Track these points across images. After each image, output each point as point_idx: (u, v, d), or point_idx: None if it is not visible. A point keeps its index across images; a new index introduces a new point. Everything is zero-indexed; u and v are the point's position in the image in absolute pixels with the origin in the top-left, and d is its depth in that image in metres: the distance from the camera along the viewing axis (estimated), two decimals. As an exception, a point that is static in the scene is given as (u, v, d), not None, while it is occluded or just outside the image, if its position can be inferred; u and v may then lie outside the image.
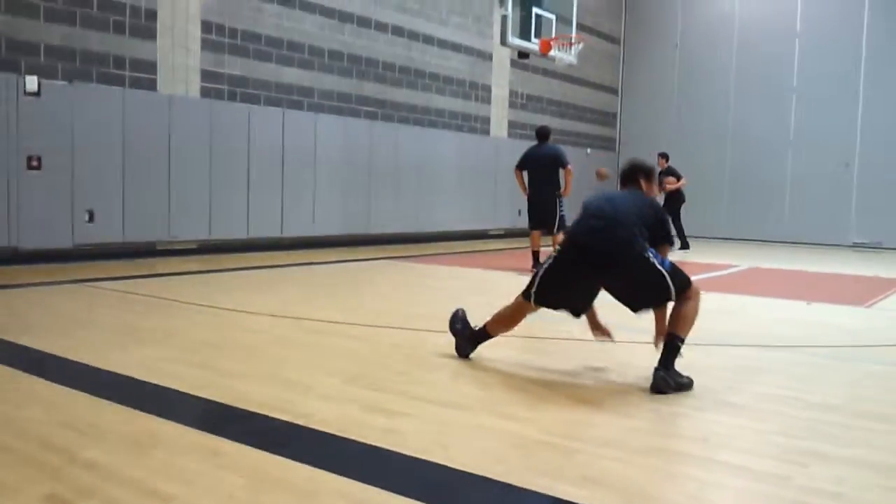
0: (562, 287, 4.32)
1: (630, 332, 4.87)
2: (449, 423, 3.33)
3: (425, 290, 7.92)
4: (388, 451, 2.96)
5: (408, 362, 4.47)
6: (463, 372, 4.29)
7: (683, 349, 4.03)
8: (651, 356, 4.17)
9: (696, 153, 17.88)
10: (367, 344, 4.99)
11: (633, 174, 4.49)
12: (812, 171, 16.29)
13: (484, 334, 4.60)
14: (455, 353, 4.63)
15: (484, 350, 4.85)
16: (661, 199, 14.32)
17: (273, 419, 3.31)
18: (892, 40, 15.98)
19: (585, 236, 4.17)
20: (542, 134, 9.80)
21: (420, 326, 5.57)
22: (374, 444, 3.03)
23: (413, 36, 13.24)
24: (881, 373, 4.65)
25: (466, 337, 4.62)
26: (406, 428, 3.23)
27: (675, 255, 12.22)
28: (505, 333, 4.66)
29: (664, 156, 14.11)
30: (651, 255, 4.05)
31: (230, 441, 3.00)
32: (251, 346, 4.83)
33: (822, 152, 16.32)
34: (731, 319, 6.65)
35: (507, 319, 4.58)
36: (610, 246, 4.05)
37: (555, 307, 4.44)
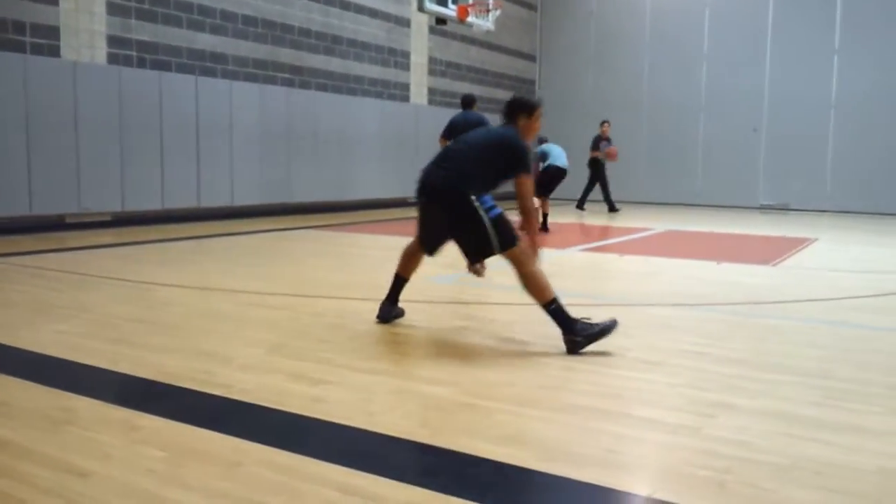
0: (420, 224, 4.57)
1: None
2: (372, 390, 3.35)
3: (347, 259, 7.89)
4: (312, 419, 2.97)
5: (331, 331, 4.47)
6: (385, 339, 4.31)
7: (585, 309, 4.14)
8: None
9: (613, 119, 18.15)
10: (288, 314, 4.95)
11: (513, 111, 4.41)
12: (723, 136, 16.84)
13: (399, 280, 4.72)
14: (378, 320, 4.65)
15: (406, 316, 4.89)
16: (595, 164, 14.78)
17: (194, 392, 3.28)
18: (797, 8, 16.55)
19: (424, 174, 4.37)
20: (468, 101, 9.80)
21: (343, 295, 5.57)
22: (298, 412, 3.03)
23: (329, 1, 12.99)
24: (785, 327, 4.89)
25: (386, 302, 4.69)
26: (330, 396, 3.25)
27: (604, 218, 12.46)
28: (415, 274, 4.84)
29: (608, 122, 14.84)
30: (480, 201, 4.14)
31: (149, 415, 2.95)
32: (169, 319, 4.74)
33: (731, 117, 16.88)
34: (647, 280, 6.87)
35: (407, 256, 4.78)
36: (437, 182, 4.25)
37: (423, 245, 4.64)
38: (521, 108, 4.41)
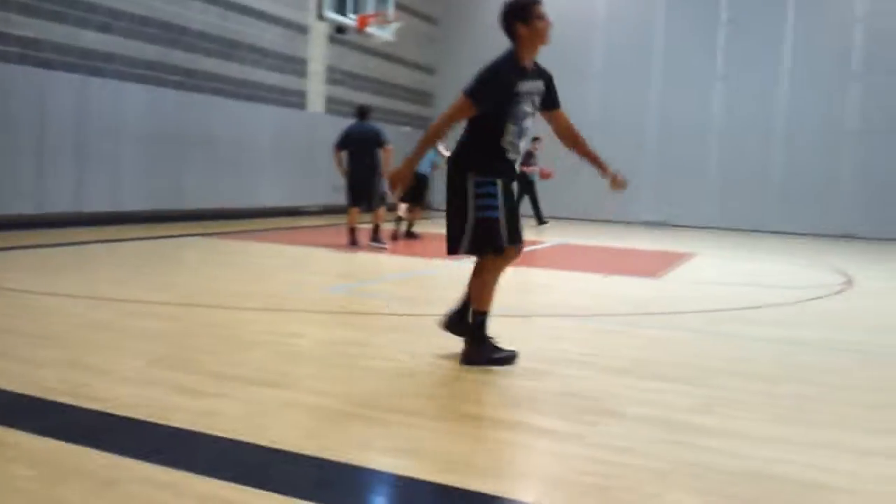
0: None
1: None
2: (263, 402, 3.27)
3: (240, 268, 7.69)
4: (199, 433, 2.87)
5: (220, 342, 4.34)
6: (277, 350, 4.22)
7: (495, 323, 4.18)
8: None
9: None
10: (177, 324, 4.78)
11: (507, 25, 3.94)
12: (612, 154, 17.42)
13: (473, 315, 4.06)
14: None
15: (298, 327, 4.81)
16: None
17: (68, 406, 3.10)
18: (687, 32, 17.35)
19: None
20: (362, 112, 9.82)
21: (234, 305, 5.42)
22: (183, 426, 2.92)
23: (228, 5, 12.71)
24: (665, 337, 5.09)
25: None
26: (218, 409, 3.15)
27: (533, 231, 12.47)
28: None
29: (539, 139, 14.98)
30: (477, 185, 3.83)
31: (20, 432, 2.78)
32: (47, 329, 4.48)
33: (619, 135, 17.47)
34: (539, 292, 7.03)
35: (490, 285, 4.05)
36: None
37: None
38: (513, 17, 3.82)
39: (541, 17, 3.84)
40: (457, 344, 4.38)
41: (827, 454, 2.96)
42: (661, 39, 17.62)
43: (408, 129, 18.23)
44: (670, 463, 2.78)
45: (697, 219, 17.18)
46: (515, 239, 3.96)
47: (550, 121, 4.09)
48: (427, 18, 19.04)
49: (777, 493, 2.56)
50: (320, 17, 12.09)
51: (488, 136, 3.86)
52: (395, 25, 13.46)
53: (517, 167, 3.99)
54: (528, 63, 3.90)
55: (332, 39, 15.07)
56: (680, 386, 3.85)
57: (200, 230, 10.85)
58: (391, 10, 13.46)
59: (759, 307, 6.47)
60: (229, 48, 12.82)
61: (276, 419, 3.06)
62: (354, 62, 16.24)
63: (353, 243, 9.57)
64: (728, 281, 8.40)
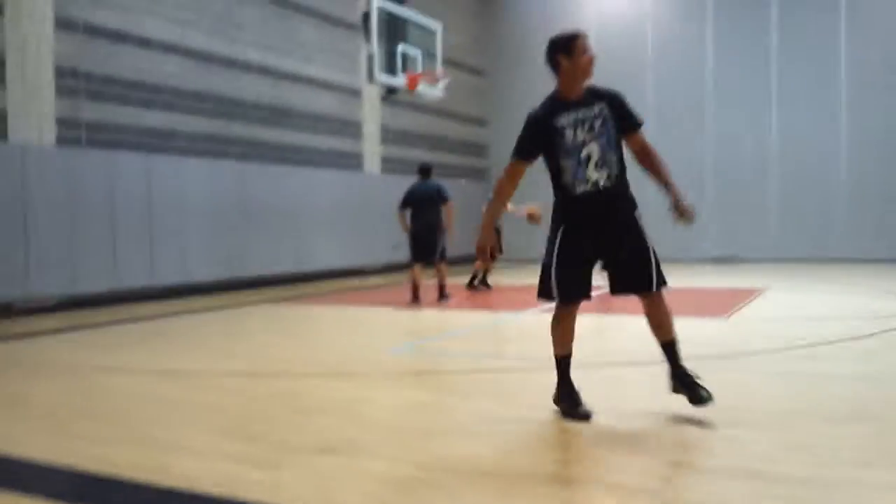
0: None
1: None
2: (330, 471, 3.27)
3: (303, 334, 7.79)
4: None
5: (285, 411, 4.37)
6: (342, 416, 4.22)
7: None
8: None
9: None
10: (241, 394, 4.84)
11: (551, 58, 4.01)
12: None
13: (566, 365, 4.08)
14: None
15: (363, 391, 4.82)
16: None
17: (139, 484, 3.15)
18: (737, 61, 17.18)
19: None
20: (425, 170, 10.04)
21: (298, 371, 5.48)
22: (253, 499, 2.93)
23: (280, 74, 13.14)
24: (736, 381, 4.91)
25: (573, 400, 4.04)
26: (286, 480, 3.15)
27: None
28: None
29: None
30: (550, 230, 4.07)
31: (94, 512, 2.83)
32: (115, 407, 4.59)
33: (676, 168, 17.27)
34: (599, 338, 6.90)
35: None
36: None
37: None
38: (556, 51, 3.85)
39: (584, 51, 3.83)
40: (512, 399, 4.33)
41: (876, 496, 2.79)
42: (712, 73, 17.48)
43: (463, 181, 18.39)
44: (749, 518, 2.66)
45: (764, 251, 16.74)
46: (567, 293, 3.92)
47: (627, 144, 3.94)
48: (475, 71, 19.33)
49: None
50: (370, 80, 12.38)
51: (554, 179, 3.94)
52: (444, 82, 13.68)
53: (601, 193, 3.81)
54: (573, 95, 3.88)
55: (383, 100, 15.40)
56: (756, 432, 3.70)
57: (264, 297, 11.07)
58: (439, 68, 13.70)
59: (833, 342, 6.22)
60: (285, 116, 13.22)
61: (344, 488, 3.05)
62: (407, 120, 16.54)
63: (417, 300, 9.63)
64: (799, 315, 8.12)
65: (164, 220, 11.09)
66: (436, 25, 13.94)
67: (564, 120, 3.83)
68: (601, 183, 3.81)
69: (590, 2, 18.86)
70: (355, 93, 14.84)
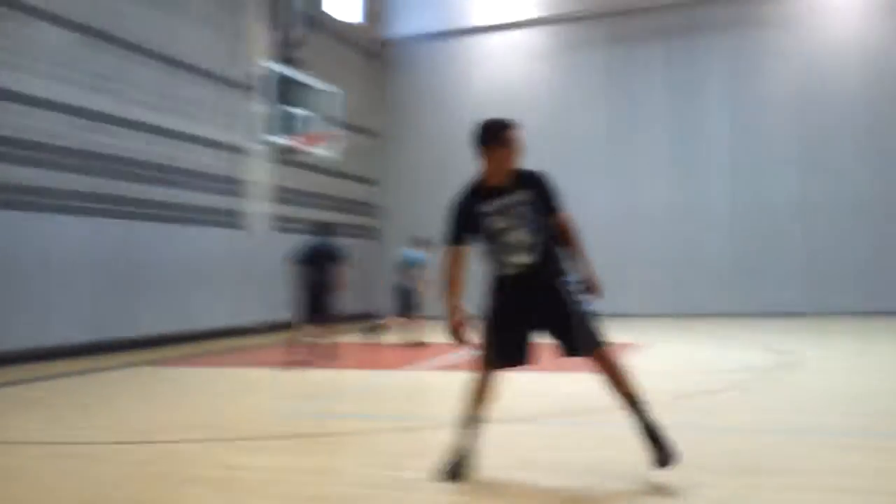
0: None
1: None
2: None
3: (182, 396, 7.46)
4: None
5: (154, 482, 4.16)
6: (218, 486, 4.06)
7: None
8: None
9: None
10: (105, 465, 4.57)
11: (479, 146, 4.03)
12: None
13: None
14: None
15: (242, 458, 4.67)
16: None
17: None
18: (624, 141, 18.05)
19: None
20: (325, 228, 10.07)
21: (172, 438, 5.24)
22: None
23: (163, 132, 12.86)
24: (619, 436, 5.03)
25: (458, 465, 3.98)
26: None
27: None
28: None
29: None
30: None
31: None
32: (-32, 483, 4.25)
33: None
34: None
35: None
36: None
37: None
38: (487, 138, 3.89)
39: (514, 142, 3.91)
40: (407, 462, 4.31)
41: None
42: (603, 136, 18.31)
43: (352, 240, 18.38)
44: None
45: (648, 307, 17.36)
46: (503, 356, 3.98)
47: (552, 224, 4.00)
48: (369, 132, 19.50)
49: None
50: (259, 140, 12.28)
51: (483, 256, 4.04)
52: (337, 145, 13.73)
53: (526, 272, 3.90)
54: (498, 181, 3.94)
55: (273, 159, 15.29)
56: (622, 482, 3.79)
57: (142, 359, 10.59)
58: (338, 131, 13.75)
59: (712, 392, 6.49)
60: (171, 174, 12.91)
61: (207, 563, 2.92)
62: (298, 179, 16.44)
63: (304, 360, 9.48)
64: (676, 370, 8.44)
65: (31, 280, 10.52)
66: (331, 87, 14.05)
67: (488, 207, 3.92)
68: (526, 263, 3.92)
69: (478, 68, 19.48)
70: (244, 152, 14.68)
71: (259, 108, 11.94)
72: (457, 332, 3.97)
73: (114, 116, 11.91)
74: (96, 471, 4.46)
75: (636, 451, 4.00)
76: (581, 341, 3.89)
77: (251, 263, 14.71)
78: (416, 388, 7.67)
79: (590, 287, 3.99)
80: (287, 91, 12.90)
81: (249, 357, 11.01)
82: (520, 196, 3.92)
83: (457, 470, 3.94)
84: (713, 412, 5.87)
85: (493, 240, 3.94)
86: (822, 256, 16.62)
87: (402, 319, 11.77)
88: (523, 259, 3.91)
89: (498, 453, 4.37)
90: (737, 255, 17.25)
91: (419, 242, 12.21)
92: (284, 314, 14.74)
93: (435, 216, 20.61)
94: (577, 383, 5.45)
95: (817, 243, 16.69)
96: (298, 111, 12.96)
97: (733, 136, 17.33)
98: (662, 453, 3.79)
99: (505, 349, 3.95)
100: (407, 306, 11.79)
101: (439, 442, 4.36)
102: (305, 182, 16.77)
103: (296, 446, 5.09)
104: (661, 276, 17.63)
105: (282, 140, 12.46)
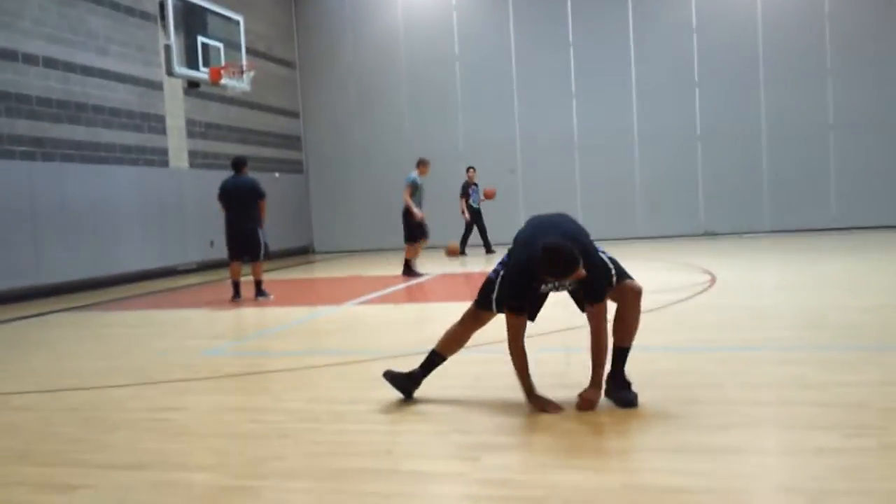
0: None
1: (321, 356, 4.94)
2: (131, 487, 3.14)
3: (107, 342, 7.33)
4: (60, 532, 2.73)
5: (85, 427, 4.13)
6: (148, 428, 4.06)
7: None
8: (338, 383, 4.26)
9: (381, 171, 18.70)
10: (35, 414, 4.51)
11: None
12: (483, 179, 17.75)
13: (437, 358, 4.27)
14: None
15: (170, 399, 4.67)
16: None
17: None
18: (536, 60, 18.03)
19: None
20: (238, 164, 9.77)
21: (99, 384, 5.18)
22: (43, 527, 2.77)
23: (69, 67, 12.22)
24: (542, 359, 5.21)
25: (407, 378, 4.22)
26: (85, 502, 3.00)
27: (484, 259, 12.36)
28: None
29: (473, 168, 15.95)
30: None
31: None
32: None
33: (490, 161, 17.89)
34: (417, 329, 7.06)
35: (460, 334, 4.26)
36: None
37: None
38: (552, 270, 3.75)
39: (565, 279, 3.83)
40: (330, 395, 4.38)
41: (689, 457, 3.12)
42: (513, 69, 18.23)
43: (277, 174, 18.05)
44: (545, 488, 2.85)
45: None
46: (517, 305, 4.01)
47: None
48: (285, 63, 18.96)
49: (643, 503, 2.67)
50: (170, 73, 11.79)
51: None
52: (249, 75, 13.30)
53: None
54: None
55: (187, 92, 14.75)
56: (558, 401, 3.96)
57: (64, 305, 10.31)
58: (244, 61, 13.29)
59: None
60: (77, 111, 12.33)
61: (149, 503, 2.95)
62: (215, 113, 15.94)
63: (237, 297, 9.42)
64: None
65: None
66: (237, 16, 13.48)
67: (543, 288, 3.95)
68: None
69: (396, -7, 19.04)
70: (156, 85, 14.10)
71: (169, 39, 11.43)
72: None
73: (14, 51, 11.23)
74: (24, 419, 4.39)
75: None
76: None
77: (174, 202, 14.32)
78: (353, 323, 7.72)
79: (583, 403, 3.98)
80: (196, 21, 12.34)
81: (178, 298, 10.85)
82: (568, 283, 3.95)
83: (407, 388, 4.16)
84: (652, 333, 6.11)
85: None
86: (728, 181, 17.17)
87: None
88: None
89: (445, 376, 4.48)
90: (652, 179, 17.66)
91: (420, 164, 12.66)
92: (213, 253, 14.60)
93: (358, 148, 20.48)
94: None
95: (723, 167, 17.20)
96: (210, 41, 12.44)
97: (639, 65, 17.51)
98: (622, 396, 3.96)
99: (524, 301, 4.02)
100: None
101: (375, 375, 4.44)
102: (224, 116, 16.29)
103: (229, 385, 5.10)
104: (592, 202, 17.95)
105: (194, 72, 11.99)
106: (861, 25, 16.41)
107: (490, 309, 4.13)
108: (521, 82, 18.18)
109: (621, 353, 4.04)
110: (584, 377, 3.97)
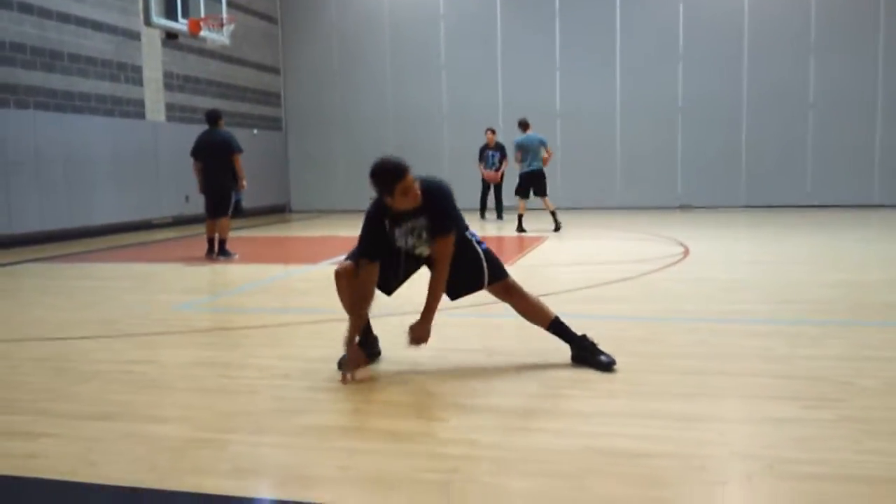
0: (394, 263, 4.10)
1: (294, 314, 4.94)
2: (98, 438, 3.14)
3: (80, 293, 7.28)
4: (26, 478, 2.73)
5: (52, 377, 4.12)
6: (116, 379, 4.06)
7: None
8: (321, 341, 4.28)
9: (361, 131, 18.57)
10: (3, 363, 4.49)
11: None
12: (466, 143, 17.66)
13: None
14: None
15: (139, 352, 4.66)
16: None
17: None
18: (521, 24, 17.87)
19: None
20: (212, 118, 9.49)
21: (69, 335, 5.16)
22: (11, 473, 2.77)
23: (45, 13, 11.94)
24: (510, 324, 5.26)
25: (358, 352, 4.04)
26: (48, 450, 3.00)
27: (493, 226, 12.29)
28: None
29: (492, 130, 15.22)
30: (470, 233, 4.14)
31: None
32: None
33: (471, 125, 17.80)
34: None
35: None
36: None
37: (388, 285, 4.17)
38: (380, 190, 3.82)
39: (404, 192, 3.79)
40: (301, 352, 4.40)
41: (652, 423, 3.18)
42: (498, 29, 18.07)
43: (255, 131, 17.86)
44: (508, 450, 2.90)
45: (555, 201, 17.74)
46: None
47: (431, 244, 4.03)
48: (267, 17, 18.65)
49: (606, 466, 2.72)
50: (148, 23, 11.56)
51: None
52: (229, 28, 13.08)
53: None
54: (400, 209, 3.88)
55: (165, 44, 14.48)
56: (520, 372, 4.01)
57: (36, 255, 10.20)
58: (224, 13, 13.06)
59: (601, 285, 6.81)
60: (52, 59, 12.07)
61: (110, 454, 2.95)
62: (193, 66, 15.68)
63: (211, 254, 9.36)
64: (576, 262, 8.77)
65: None
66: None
67: (396, 232, 3.94)
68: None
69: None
70: (134, 35, 13.82)
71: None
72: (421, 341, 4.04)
73: (-15, -6, 10.94)
74: (-10, 368, 4.37)
75: (534, 338, 4.20)
76: (484, 276, 4.11)
77: (148, 154, 14.14)
78: (327, 283, 7.71)
79: (415, 335, 4.05)
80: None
81: (152, 252, 10.76)
82: (423, 220, 3.94)
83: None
84: (623, 302, 6.18)
85: (399, 253, 4.03)
86: (707, 155, 17.24)
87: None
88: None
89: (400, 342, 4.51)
90: (632, 150, 17.68)
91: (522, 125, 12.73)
92: (188, 208, 14.47)
93: (339, 106, 20.25)
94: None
95: (703, 142, 17.26)
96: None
97: (624, 36, 17.42)
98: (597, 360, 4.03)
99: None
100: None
101: (335, 334, 4.44)
102: (203, 69, 16.03)
103: (200, 340, 5.10)
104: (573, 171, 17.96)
105: (173, 23, 11.78)
106: (845, 5, 16.43)
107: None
108: (505, 46, 18.04)
109: (559, 325, 4.15)
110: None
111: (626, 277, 7.21)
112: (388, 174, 3.78)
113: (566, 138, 17.86)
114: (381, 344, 4.32)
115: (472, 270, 4.08)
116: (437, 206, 3.92)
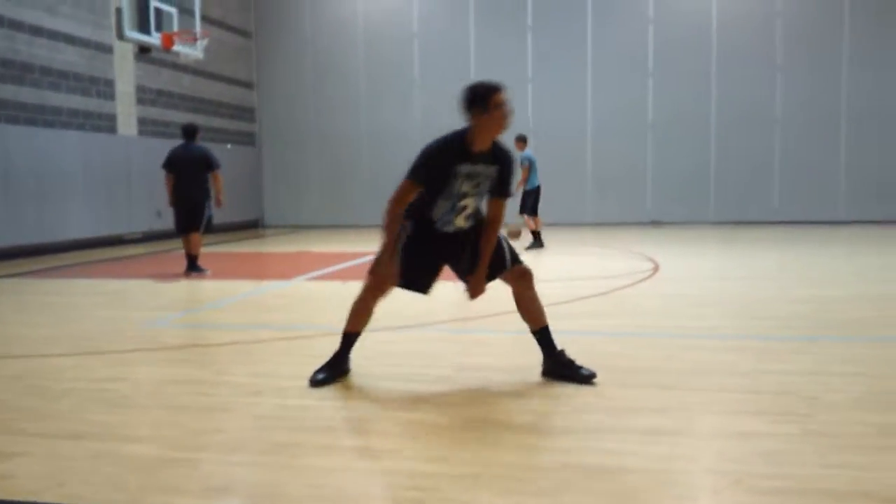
0: (423, 261, 4.14)
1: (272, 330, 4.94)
2: (69, 457, 3.12)
3: (49, 310, 7.19)
4: (-4, 500, 2.71)
5: (23, 396, 4.08)
6: (89, 398, 4.02)
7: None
8: (301, 359, 4.28)
9: (335, 146, 18.60)
10: (-28, 381, 4.44)
11: (465, 109, 4.03)
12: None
13: (352, 337, 4.21)
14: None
15: (113, 370, 4.63)
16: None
17: None
18: (494, 42, 18.03)
19: None
20: (188, 132, 9.36)
21: (41, 352, 5.10)
22: (-24, 495, 2.75)
23: (16, 26, 11.84)
24: (490, 340, 5.30)
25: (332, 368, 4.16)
26: (19, 470, 2.97)
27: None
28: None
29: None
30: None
31: None
32: None
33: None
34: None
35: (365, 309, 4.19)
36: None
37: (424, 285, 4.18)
38: (472, 103, 3.88)
39: (499, 106, 3.85)
40: (274, 369, 4.40)
41: (626, 438, 3.22)
42: (471, 46, 18.22)
43: (229, 146, 17.80)
44: (481, 466, 2.93)
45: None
46: (407, 281, 4.11)
47: (487, 204, 4.11)
48: (241, 32, 18.64)
49: (582, 482, 2.76)
50: (120, 37, 11.50)
51: (423, 203, 4.01)
52: (203, 43, 13.05)
53: (458, 233, 4.08)
54: (479, 147, 3.92)
55: (138, 58, 14.41)
56: (499, 387, 4.04)
57: (5, 271, 10.06)
58: (198, 28, 13.03)
59: (573, 301, 6.88)
60: (22, 72, 11.96)
61: (80, 474, 2.93)
62: (166, 80, 15.62)
63: (184, 272, 9.28)
64: (546, 278, 8.83)
65: None
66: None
67: (463, 169, 3.91)
68: (463, 227, 4.07)
69: (357, -33, 18.82)
70: (106, 49, 13.74)
71: (121, 2, 11.14)
72: (386, 263, 4.01)
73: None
74: (-42, 387, 4.31)
75: (509, 355, 4.24)
76: (506, 260, 4.15)
77: (121, 170, 14.03)
78: (300, 299, 7.71)
79: (474, 287, 4.16)
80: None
81: (124, 268, 10.67)
82: (491, 170, 3.98)
83: (330, 377, 4.11)
84: (594, 317, 6.24)
85: (447, 199, 3.98)
86: (676, 172, 17.49)
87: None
88: (464, 224, 4.07)
89: (374, 359, 4.53)
90: (603, 166, 17.88)
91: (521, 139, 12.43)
92: (159, 223, 14.35)
93: (313, 122, 20.23)
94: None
95: (672, 159, 17.50)
96: (163, 6, 12.17)
97: (595, 53, 17.66)
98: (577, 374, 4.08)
99: (414, 276, 4.10)
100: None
101: (320, 351, 4.46)
102: (176, 84, 15.97)
103: (173, 357, 5.07)
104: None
105: (145, 37, 11.73)
106: (811, 24, 16.81)
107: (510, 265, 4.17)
108: (478, 63, 18.19)
109: (547, 333, 4.19)
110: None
111: (598, 293, 7.29)
112: (484, 85, 3.89)
113: (538, 154, 17.81)
114: (356, 361, 4.33)
115: (494, 255, 4.11)
116: (508, 167, 4.03)
